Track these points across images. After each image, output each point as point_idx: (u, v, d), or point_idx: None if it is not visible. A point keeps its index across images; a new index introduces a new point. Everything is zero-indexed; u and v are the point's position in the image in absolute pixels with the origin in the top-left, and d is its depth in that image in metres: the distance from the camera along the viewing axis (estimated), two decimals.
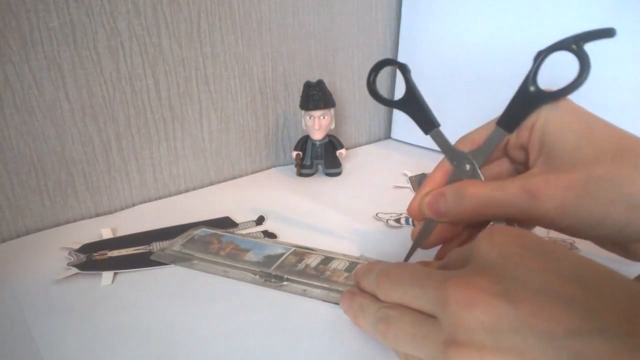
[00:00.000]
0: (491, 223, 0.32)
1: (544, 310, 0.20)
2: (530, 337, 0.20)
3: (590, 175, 0.27)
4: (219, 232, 0.43)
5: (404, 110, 0.35)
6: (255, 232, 0.44)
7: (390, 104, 0.36)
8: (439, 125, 0.33)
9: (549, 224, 0.28)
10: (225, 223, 0.45)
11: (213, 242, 0.41)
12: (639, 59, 0.44)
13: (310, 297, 0.34)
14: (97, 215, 0.49)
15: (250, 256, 0.39)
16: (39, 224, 0.46)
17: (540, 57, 0.30)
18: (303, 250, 0.39)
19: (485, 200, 0.29)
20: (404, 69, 0.34)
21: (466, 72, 0.57)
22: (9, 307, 0.34)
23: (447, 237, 0.35)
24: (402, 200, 0.49)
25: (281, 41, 0.56)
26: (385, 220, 0.45)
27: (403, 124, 0.68)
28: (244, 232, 0.44)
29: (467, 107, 0.57)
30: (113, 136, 0.48)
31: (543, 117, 0.29)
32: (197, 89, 0.52)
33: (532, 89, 0.29)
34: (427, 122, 0.34)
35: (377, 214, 0.46)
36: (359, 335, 0.30)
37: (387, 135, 0.71)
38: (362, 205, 0.48)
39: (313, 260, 0.37)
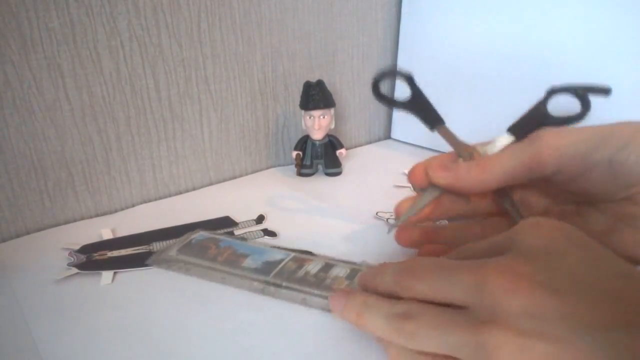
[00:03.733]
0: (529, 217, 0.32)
1: (592, 302, 0.20)
2: (577, 327, 0.20)
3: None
4: (217, 236, 0.42)
5: (409, 111, 0.35)
6: (255, 231, 0.43)
7: (396, 105, 0.36)
8: (444, 122, 0.34)
9: (553, 159, 0.28)
10: (225, 223, 0.45)
11: (210, 246, 0.40)
12: (638, 58, 0.44)
13: (310, 306, 0.33)
14: (97, 215, 0.49)
15: (249, 262, 0.37)
16: (39, 224, 0.46)
17: (552, 93, 0.33)
18: (303, 256, 0.38)
19: (497, 157, 0.30)
20: (410, 78, 0.35)
21: (466, 72, 0.57)
22: (9, 307, 0.34)
23: (446, 212, 0.34)
24: None
25: (281, 41, 0.56)
26: (385, 220, 0.45)
27: (403, 124, 0.68)
28: (243, 231, 0.44)
29: (467, 107, 0.57)
30: (113, 136, 0.48)
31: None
32: (197, 89, 0.52)
33: (542, 112, 0.32)
34: (433, 119, 0.35)
35: (377, 213, 0.46)
36: (359, 346, 0.29)
37: (387, 135, 0.71)
38: (362, 205, 0.48)
39: (313, 267, 0.36)
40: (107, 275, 0.37)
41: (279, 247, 0.40)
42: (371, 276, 0.29)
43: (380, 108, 0.68)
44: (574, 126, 0.31)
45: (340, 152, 0.56)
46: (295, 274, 0.36)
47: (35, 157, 0.44)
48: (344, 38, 0.61)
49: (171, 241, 0.41)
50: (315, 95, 0.52)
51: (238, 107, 0.55)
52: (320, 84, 0.53)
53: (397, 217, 0.35)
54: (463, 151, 0.33)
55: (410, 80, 0.35)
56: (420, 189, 0.35)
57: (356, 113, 0.66)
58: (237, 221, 0.45)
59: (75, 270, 0.37)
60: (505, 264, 0.22)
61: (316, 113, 0.53)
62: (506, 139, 0.32)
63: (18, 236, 0.45)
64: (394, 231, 0.36)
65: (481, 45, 0.55)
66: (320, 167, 0.57)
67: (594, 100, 0.48)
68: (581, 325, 0.20)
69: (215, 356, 0.29)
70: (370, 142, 0.69)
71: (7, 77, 0.41)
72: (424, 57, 0.62)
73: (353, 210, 0.47)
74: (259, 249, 0.39)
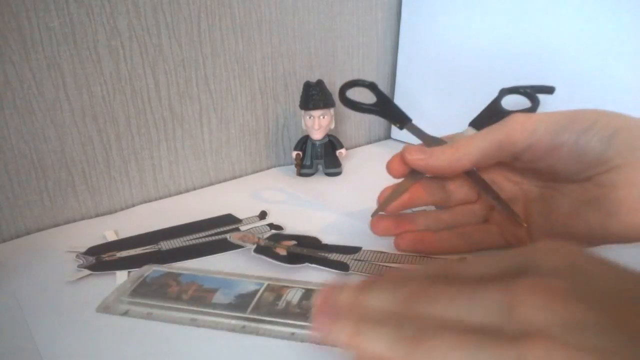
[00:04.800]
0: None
1: (631, 311, 0.19)
2: (620, 337, 0.19)
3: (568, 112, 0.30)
4: (174, 270, 0.37)
5: (376, 113, 0.40)
6: (261, 226, 0.44)
7: (362, 108, 0.40)
8: (411, 120, 0.38)
9: (524, 138, 0.30)
10: (228, 220, 0.45)
11: (170, 284, 0.35)
12: (638, 58, 0.44)
13: (301, 341, 0.29)
14: (97, 215, 0.49)
15: (219, 297, 0.33)
16: (39, 224, 0.46)
17: (503, 93, 0.38)
18: (279, 284, 0.35)
19: (469, 137, 0.32)
20: (373, 87, 0.39)
21: (466, 72, 0.57)
22: (9, 307, 0.34)
23: (423, 200, 0.37)
24: None
25: (281, 41, 0.56)
26: None
27: None
28: (248, 227, 0.44)
29: (467, 107, 0.57)
30: (113, 136, 0.48)
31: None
32: (197, 89, 0.52)
33: (498, 108, 0.37)
34: (401, 119, 0.39)
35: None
36: None
37: (387, 135, 0.71)
38: (362, 204, 0.48)
39: (293, 296, 0.33)
40: (121, 275, 0.37)
41: (247, 276, 0.36)
42: (357, 294, 0.25)
43: None
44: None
45: (340, 152, 0.56)
46: (276, 306, 0.32)
47: (35, 157, 0.44)
48: (344, 38, 0.61)
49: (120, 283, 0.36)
50: (315, 95, 0.52)
51: (238, 107, 0.55)
52: (320, 84, 0.53)
53: (379, 205, 0.37)
54: (433, 144, 0.36)
55: (373, 87, 0.39)
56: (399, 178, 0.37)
57: (356, 113, 0.66)
58: (240, 218, 0.46)
59: (87, 271, 0.37)
60: (535, 282, 0.21)
61: (316, 113, 0.53)
62: (470, 131, 0.36)
63: (18, 236, 0.45)
64: (373, 218, 0.39)
65: (481, 45, 0.55)
66: (320, 167, 0.57)
67: (597, 98, 0.48)
68: (624, 334, 0.19)
69: None
70: (370, 142, 0.69)
71: (7, 77, 0.41)
72: (424, 57, 0.62)
73: (353, 210, 0.47)
74: (227, 281, 0.35)
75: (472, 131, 0.36)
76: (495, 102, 0.38)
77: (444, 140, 0.36)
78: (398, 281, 0.24)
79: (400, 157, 0.36)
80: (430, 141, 0.37)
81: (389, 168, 0.37)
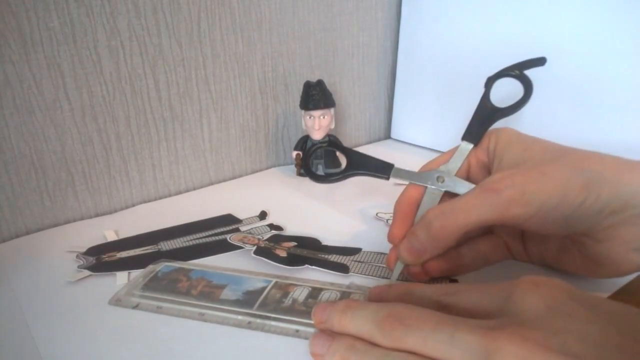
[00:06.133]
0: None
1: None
2: None
3: (543, 165, 0.29)
4: (185, 266, 0.38)
5: (356, 175, 0.38)
6: (261, 226, 0.44)
7: (336, 179, 0.38)
8: (393, 165, 0.36)
9: (516, 217, 0.29)
10: (228, 220, 0.45)
11: (181, 279, 0.36)
12: (638, 58, 0.44)
13: (306, 338, 0.29)
14: (97, 215, 0.49)
15: (227, 293, 0.34)
16: (39, 224, 0.46)
17: (490, 82, 0.35)
18: (286, 282, 0.35)
19: (454, 217, 0.29)
20: (345, 151, 0.38)
21: (466, 72, 0.57)
22: (9, 307, 0.34)
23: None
24: None
25: (281, 41, 0.56)
26: (385, 220, 0.45)
27: (403, 124, 0.68)
28: (248, 227, 0.44)
29: (467, 108, 0.57)
30: (113, 136, 0.48)
31: (494, 138, 0.33)
32: (197, 89, 0.52)
33: (488, 106, 0.34)
34: (384, 168, 0.37)
35: (377, 214, 0.46)
36: None
37: (387, 135, 0.71)
38: (362, 205, 0.48)
39: (300, 294, 0.33)
40: (121, 275, 0.37)
41: (256, 273, 0.36)
42: (339, 313, 0.26)
43: (381, 108, 0.68)
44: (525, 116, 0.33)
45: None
46: (282, 304, 0.32)
47: (35, 157, 0.44)
48: (344, 38, 0.61)
49: (133, 276, 0.37)
50: (315, 95, 0.52)
51: (238, 107, 0.55)
52: (320, 84, 0.53)
53: (390, 268, 0.34)
54: (429, 179, 0.34)
55: (345, 151, 0.38)
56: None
57: (356, 113, 0.66)
58: (240, 218, 0.46)
59: (88, 272, 0.37)
60: (515, 330, 0.21)
61: (316, 113, 0.53)
62: (465, 147, 0.34)
63: (18, 236, 0.45)
64: (397, 277, 0.35)
65: (481, 45, 0.55)
66: (320, 167, 0.57)
67: (597, 98, 0.48)
68: None
69: None
70: (370, 142, 0.69)
71: (7, 77, 0.41)
72: (424, 57, 0.62)
73: (353, 211, 0.47)
74: (236, 277, 0.36)
75: (468, 146, 0.34)
76: (485, 99, 0.34)
77: (441, 172, 0.34)
78: (383, 304, 0.25)
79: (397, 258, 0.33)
80: (425, 178, 0.34)
81: (390, 266, 0.34)
